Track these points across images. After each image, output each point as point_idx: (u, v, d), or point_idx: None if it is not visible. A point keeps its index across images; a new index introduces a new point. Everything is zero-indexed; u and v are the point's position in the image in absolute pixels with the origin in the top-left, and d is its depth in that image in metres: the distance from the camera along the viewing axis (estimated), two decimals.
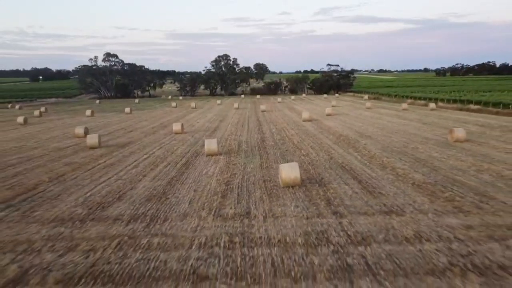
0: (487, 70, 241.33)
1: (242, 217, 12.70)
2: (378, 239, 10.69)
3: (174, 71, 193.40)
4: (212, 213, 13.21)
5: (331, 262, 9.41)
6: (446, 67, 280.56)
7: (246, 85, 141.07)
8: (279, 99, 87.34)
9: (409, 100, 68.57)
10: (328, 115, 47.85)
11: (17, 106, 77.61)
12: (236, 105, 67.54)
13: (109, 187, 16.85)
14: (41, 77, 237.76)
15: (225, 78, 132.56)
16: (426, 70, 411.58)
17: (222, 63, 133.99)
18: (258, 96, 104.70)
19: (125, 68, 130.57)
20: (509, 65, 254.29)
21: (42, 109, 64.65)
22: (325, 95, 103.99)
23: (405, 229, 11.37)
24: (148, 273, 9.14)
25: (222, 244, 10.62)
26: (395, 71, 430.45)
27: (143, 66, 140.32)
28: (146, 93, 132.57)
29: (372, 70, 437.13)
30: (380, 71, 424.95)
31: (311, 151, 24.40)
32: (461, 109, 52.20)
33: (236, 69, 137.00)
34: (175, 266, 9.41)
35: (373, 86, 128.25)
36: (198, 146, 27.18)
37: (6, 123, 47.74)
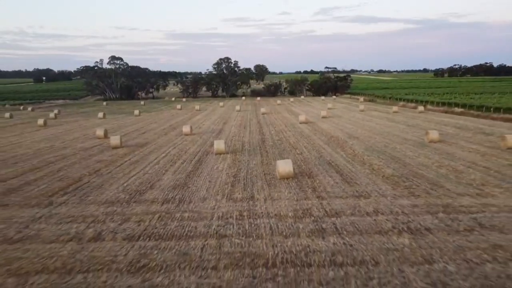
0: (484, 71, 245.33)
1: (248, 200, 16.86)
2: (346, 213, 14.83)
3: (175, 72, 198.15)
4: (225, 197, 17.37)
5: (311, 227, 13.55)
6: (445, 67, 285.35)
7: (247, 87, 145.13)
8: (279, 101, 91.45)
9: (401, 103, 72.73)
10: (324, 117, 52.00)
11: (29, 108, 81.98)
12: (237, 107, 71.76)
13: (140, 179, 21.01)
14: (44, 78, 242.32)
15: (226, 80, 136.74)
16: (425, 70, 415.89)
17: (224, 65, 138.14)
18: (258, 98, 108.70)
19: (129, 70, 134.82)
20: (506, 66, 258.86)
21: (56, 111, 68.98)
22: (322, 97, 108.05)
23: (368, 207, 15.51)
24: (184, 234, 13.28)
25: (234, 217, 14.77)
26: (394, 71, 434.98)
27: (147, 69, 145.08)
28: (150, 95, 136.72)
29: (372, 70, 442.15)
30: (380, 71, 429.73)
31: (305, 150, 28.53)
32: (446, 112, 56.30)
33: (237, 71, 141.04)
34: (203, 230, 13.55)
35: (370, 88, 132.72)
36: (207, 146, 31.32)
37: (26, 124, 52.07)
